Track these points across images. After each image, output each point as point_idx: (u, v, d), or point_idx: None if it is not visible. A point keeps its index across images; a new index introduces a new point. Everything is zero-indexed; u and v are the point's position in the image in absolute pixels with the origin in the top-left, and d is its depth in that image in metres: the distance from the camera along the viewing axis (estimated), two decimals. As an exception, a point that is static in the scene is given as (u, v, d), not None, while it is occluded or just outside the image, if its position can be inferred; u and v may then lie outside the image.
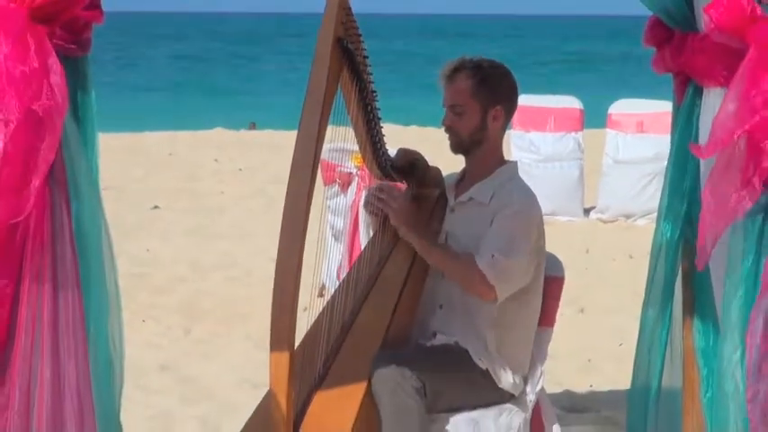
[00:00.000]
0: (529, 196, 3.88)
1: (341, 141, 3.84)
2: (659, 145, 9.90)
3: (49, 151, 3.11)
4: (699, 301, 3.88)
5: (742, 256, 3.20)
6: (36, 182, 3.09)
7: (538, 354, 4.01)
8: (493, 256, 3.68)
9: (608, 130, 11.65)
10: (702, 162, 3.73)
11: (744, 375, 3.18)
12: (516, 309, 3.84)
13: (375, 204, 4.05)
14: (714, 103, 3.65)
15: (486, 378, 3.79)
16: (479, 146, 3.90)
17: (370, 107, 3.92)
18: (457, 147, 3.91)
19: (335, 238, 7.66)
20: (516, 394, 3.88)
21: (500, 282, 3.68)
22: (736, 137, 3.10)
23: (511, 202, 3.81)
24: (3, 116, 3.04)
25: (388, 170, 4.18)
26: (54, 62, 3.11)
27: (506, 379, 3.82)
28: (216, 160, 15.55)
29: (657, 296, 3.99)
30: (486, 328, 3.81)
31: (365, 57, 3.76)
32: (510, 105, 3.93)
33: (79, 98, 3.46)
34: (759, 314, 3.13)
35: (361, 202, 4.31)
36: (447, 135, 3.92)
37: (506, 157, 4.05)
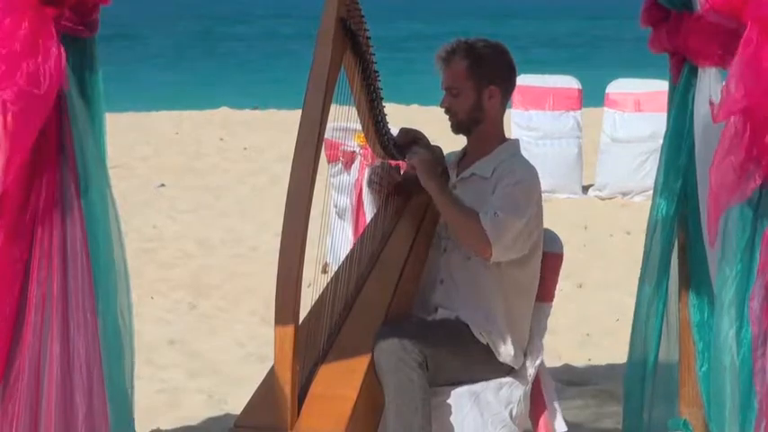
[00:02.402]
0: (530, 170, 3.90)
1: (344, 120, 3.86)
2: (656, 123, 9.90)
3: (32, 129, 3.15)
4: (694, 276, 3.93)
5: (738, 233, 3.23)
6: (17, 159, 3.13)
7: (537, 328, 4.03)
8: (495, 213, 3.70)
9: (606, 108, 11.66)
10: (697, 140, 3.79)
11: (739, 349, 3.22)
12: (515, 284, 3.87)
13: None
14: (709, 82, 3.70)
15: (487, 352, 3.82)
16: (478, 125, 3.92)
17: (372, 87, 3.93)
18: (457, 127, 3.95)
19: (339, 216, 7.70)
20: (516, 368, 3.90)
21: (498, 240, 3.69)
22: (739, 108, 3.11)
23: (513, 172, 3.84)
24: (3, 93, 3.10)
25: (390, 149, 4.20)
26: (53, 45, 3.14)
27: (506, 353, 3.85)
28: (221, 139, 15.52)
29: (653, 271, 4.03)
30: (486, 303, 3.83)
31: (368, 37, 3.78)
32: (506, 84, 3.94)
33: (87, 78, 3.49)
34: (758, 289, 3.16)
35: (365, 181, 4.33)
36: (447, 116, 3.94)
37: (507, 136, 4.09)
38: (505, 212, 3.72)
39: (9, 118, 3.10)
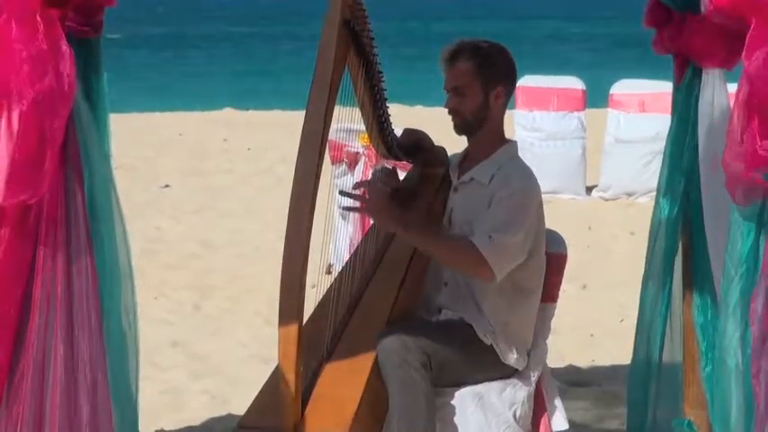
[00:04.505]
0: (527, 177, 3.88)
1: (348, 121, 3.84)
2: (660, 124, 9.83)
3: (58, 133, 3.15)
4: (697, 277, 3.93)
5: (743, 235, 3.23)
6: (48, 163, 3.14)
7: (541, 329, 4.03)
8: (490, 236, 3.67)
9: (610, 109, 11.65)
10: (701, 141, 3.79)
11: (744, 351, 3.21)
12: (519, 287, 3.86)
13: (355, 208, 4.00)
14: (713, 84, 3.70)
15: (491, 353, 3.82)
16: (483, 125, 3.90)
17: (376, 88, 3.94)
18: (461, 128, 3.92)
19: (343, 217, 7.70)
20: (520, 369, 3.90)
21: (497, 261, 3.67)
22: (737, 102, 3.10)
23: (509, 183, 3.82)
24: (15, 98, 3.10)
25: (394, 150, 4.21)
26: (63, 46, 3.13)
27: (510, 355, 3.85)
28: (225, 140, 15.55)
29: (657, 272, 4.03)
30: (490, 305, 3.83)
31: (371, 38, 3.78)
32: (510, 84, 3.93)
33: (92, 79, 3.50)
34: (761, 290, 3.16)
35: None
36: (451, 117, 3.92)
37: (510, 136, 4.07)
38: (500, 232, 3.69)
39: (43, 118, 3.11)
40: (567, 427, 3.99)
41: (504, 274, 3.73)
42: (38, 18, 3.09)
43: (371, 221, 4.20)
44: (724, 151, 3.14)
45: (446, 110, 3.93)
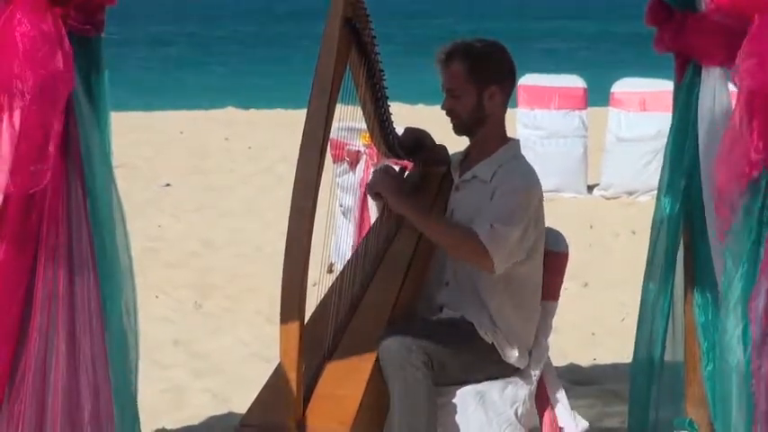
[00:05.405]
0: (529, 174, 3.89)
1: (350, 120, 3.86)
2: (661, 123, 9.83)
3: (58, 121, 3.16)
4: (699, 275, 3.92)
5: (744, 232, 3.23)
6: (51, 151, 3.14)
7: (542, 328, 4.04)
8: (492, 226, 3.68)
9: (611, 108, 11.66)
10: (702, 139, 3.79)
11: (745, 349, 3.21)
12: (521, 286, 3.88)
13: (371, 191, 4.04)
14: (713, 82, 3.70)
15: (492, 352, 3.82)
16: (481, 126, 3.91)
17: (377, 86, 3.95)
18: (459, 128, 3.94)
19: (344, 215, 7.71)
20: (521, 368, 3.90)
21: (497, 251, 3.68)
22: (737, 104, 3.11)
23: (511, 179, 3.83)
24: (19, 89, 3.10)
25: (395, 148, 4.21)
26: (63, 41, 3.15)
27: (511, 353, 3.85)
28: (226, 139, 15.53)
29: (658, 271, 4.03)
30: (491, 304, 3.83)
31: (373, 37, 3.78)
32: (506, 83, 3.92)
33: (93, 78, 3.49)
34: (761, 289, 3.16)
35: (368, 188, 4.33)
36: (449, 118, 3.93)
37: (512, 134, 4.07)
38: (502, 223, 3.70)
39: (46, 108, 3.12)
40: (572, 420, 3.98)
41: (504, 266, 3.73)
42: (40, 11, 3.10)
43: (372, 220, 4.20)
44: (719, 164, 3.15)
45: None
